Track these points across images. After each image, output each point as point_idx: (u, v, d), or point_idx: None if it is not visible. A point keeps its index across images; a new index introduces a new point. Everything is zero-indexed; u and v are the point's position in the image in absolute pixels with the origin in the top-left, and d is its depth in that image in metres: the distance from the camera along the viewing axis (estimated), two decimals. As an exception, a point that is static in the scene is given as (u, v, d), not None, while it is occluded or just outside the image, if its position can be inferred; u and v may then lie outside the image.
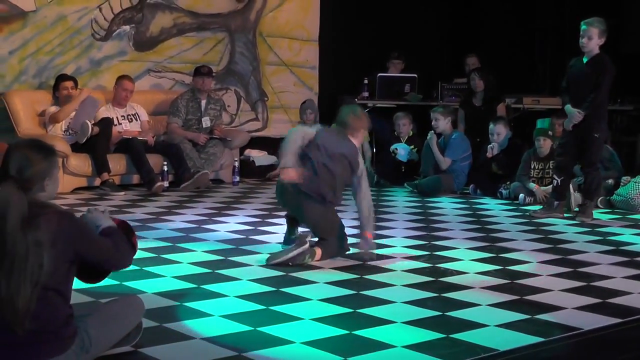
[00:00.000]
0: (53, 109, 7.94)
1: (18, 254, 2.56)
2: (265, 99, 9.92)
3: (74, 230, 2.75)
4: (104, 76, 8.78)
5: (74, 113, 7.88)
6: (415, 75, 9.80)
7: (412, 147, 8.68)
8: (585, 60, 6.49)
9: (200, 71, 8.61)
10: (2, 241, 2.56)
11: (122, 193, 7.65)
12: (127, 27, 8.93)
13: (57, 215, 2.72)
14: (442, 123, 8.17)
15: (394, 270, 4.66)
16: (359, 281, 4.42)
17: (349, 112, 5.21)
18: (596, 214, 6.76)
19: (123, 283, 4.21)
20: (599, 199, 7.07)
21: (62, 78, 8.04)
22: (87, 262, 2.79)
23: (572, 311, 3.90)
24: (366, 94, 9.73)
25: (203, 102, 8.62)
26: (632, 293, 4.25)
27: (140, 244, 5.25)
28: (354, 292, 4.18)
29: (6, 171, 2.68)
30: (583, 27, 6.46)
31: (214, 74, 8.85)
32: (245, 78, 9.77)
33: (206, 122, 8.58)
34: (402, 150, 8.57)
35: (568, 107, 6.53)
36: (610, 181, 7.33)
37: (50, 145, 2.88)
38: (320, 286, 4.30)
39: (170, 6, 9.18)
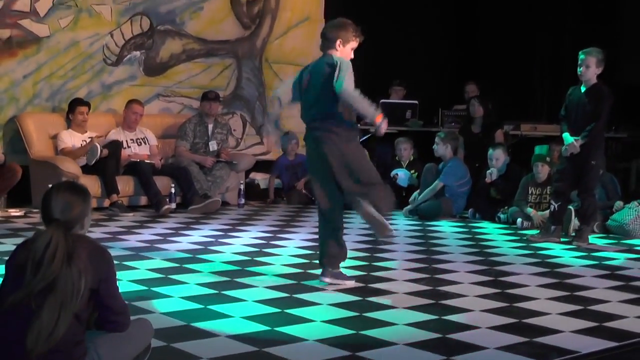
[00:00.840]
0: (66, 134, 7.98)
1: (66, 290, 2.70)
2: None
3: (104, 263, 2.87)
4: (115, 100, 8.83)
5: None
6: (417, 101, 9.84)
7: (413, 171, 8.70)
8: (583, 89, 6.51)
9: (208, 96, 8.66)
10: (52, 278, 2.69)
11: (131, 214, 7.67)
12: (137, 53, 8.99)
13: (92, 246, 2.88)
14: (441, 148, 8.18)
15: (396, 293, 4.66)
16: (362, 303, 4.42)
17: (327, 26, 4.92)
18: (592, 238, 6.76)
19: (132, 303, 4.20)
20: (595, 224, 7.07)
21: (77, 103, 8.09)
22: (99, 300, 2.84)
23: (569, 334, 3.89)
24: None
25: (210, 126, 8.66)
26: (627, 317, 4.25)
27: (148, 265, 5.31)
28: (357, 313, 4.18)
29: (50, 214, 2.84)
30: (581, 56, 6.50)
31: (221, 99, 8.90)
32: (251, 103, 9.82)
33: (213, 145, 8.62)
34: (402, 175, 8.59)
35: (566, 135, 6.56)
36: (614, 207, 7.32)
37: (86, 187, 3.02)
38: (324, 307, 4.30)
39: (180, 33, 9.25)
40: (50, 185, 3.02)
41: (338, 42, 4.74)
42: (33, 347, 2.65)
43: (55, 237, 2.75)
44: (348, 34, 4.76)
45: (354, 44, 4.82)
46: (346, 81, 4.54)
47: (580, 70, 6.49)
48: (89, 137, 8.04)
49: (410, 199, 8.21)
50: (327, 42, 4.78)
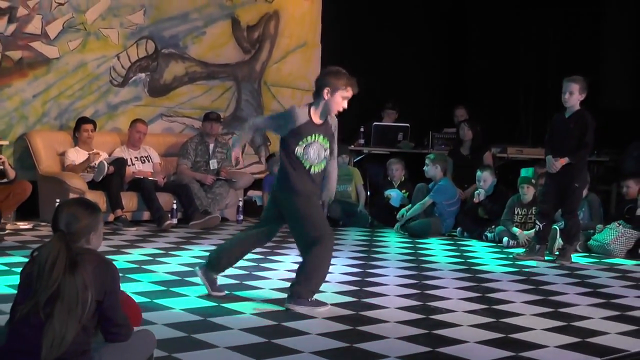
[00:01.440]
0: (72, 151, 7.99)
1: (71, 298, 2.70)
2: (268, 143, 9.97)
3: (109, 276, 2.87)
4: (120, 119, 8.84)
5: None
6: (408, 124, 9.88)
7: (404, 191, 8.71)
8: (567, 115, 6.55)
9: (209, 117, 8.69)
10: (57, 286, 2.70)
11: (134, 229, 7.65)
12: (142, 75, 9.01)
13: (97, 258, 2.88)
14: (432, 169, 8.19)
15: (387, 308, 4.65)
16: (355, 317, 4.41)
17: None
18: (575, 257, 6.77)
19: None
20: (578, 244, 7.08)
21: (82, 121, 8.12)
22: (101, 311, 2.84)
23: (554, 349, 3.90)
24: (362, 141, 9.79)
25: (211, 146, 8.67)
26: (609, 333, 4.26)
27: (151, 277, 5.30)
28: (350, 327, 4.17)
29: (56, 225, 2.86)
30: (565, 83, 6.53)
31: (221, 120, 8.92)
32: (250, 124, 9.81)
33: (214, 164, 8.63)
34: (395, 195, 8.59)
35: (549, 158, 6.59)
36: (598, 227, 7.34)
37: (96, 204, 3.04)
38: (319, 321, 4.28)
39: (183, 56, 9.27)
40: (57, 200, 3.05)
41: (326, 90, 4.48)
42: (47, 355, 2.65)
43: (57, 246, 2.76)
44: (338, 82, 4.49)
45: (345, 93, 4.51)
46: (262, 118, 4.68)
47: (564, 97, 6.53)
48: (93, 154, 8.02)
49: (398, 216, 8.22)
50: (316, 90, 4.58)
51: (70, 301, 2.69)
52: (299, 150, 4.50)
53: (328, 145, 4.61)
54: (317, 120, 4.57)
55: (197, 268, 4.89)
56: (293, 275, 5.52)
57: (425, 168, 8.24)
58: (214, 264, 4.81)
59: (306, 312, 4.43)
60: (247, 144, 9.80)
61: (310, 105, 4.59)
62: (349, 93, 4.55)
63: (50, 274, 2.70)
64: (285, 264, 6.06)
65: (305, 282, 4.54)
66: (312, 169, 4.55)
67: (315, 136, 4.53)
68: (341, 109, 4.60)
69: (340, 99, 4.53)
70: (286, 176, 4.53)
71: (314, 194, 4.61)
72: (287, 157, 4.54)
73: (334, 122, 4.68)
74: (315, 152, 4.53)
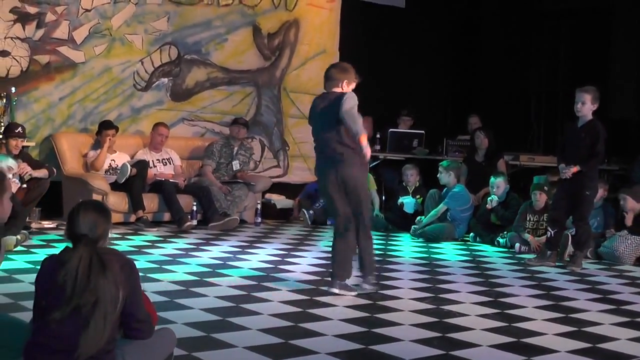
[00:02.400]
0: (92, 153, 8.02)
1: (105, 297, 2.71)
2: (287, 148, 9.96)
3: (132, 274, 2.88)
4: (143, 123, 8.85)
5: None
6: (423, 131, 9.84)
7: (418, 196, 8.66)
8: (579, 124, 6.50)
9: (238, 121, 8.76)
10: (94, 291, 2.71)
11: (155, 229, 7.66)
12: (165, 80, 9.02)
13: (121, 258, 2.89)
14: (445, 176, 8.14)
15: (402, 311, 4.62)
16: (370, 319, 4.38)
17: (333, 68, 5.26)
18: (585, 264, 6.71)
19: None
20: (589, 250, 7.01)
21: (105, 126, 8.07)
22: (125, 308, 2.83)
23: (565, 354, 3.85)
24: (378, 147, 9.75)
25: (235, 149, 8.70)
26: (619, 339, 4.20)
27: (171, 277, 5.29)
28: (366, 329, 4.15)
29: (78, 230, 2.84)
30: (578, 93, 6.48)
31: (248, 126, 8.93)
32: (270, 128, 9.83)
33: (236, 165, 8.68)
34: (407, 202, 8.54)
35: (561, 166, 6.54)
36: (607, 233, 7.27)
37: (107, 207, 3.06)
38: (335, 322, 4.26)
39: (205, 62, 9.28)
40: (80, 200, 3.06)
41: (345, 82, 5.06)
42: (83, 354, 2.67)
43: (87, 252, 2.76)
44: (351, 76, 5.12)
45: (354, 84, 5.14)
46: (349, 103, 4.84)
47: (576, 106, 6.47)
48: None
49: (417, 220, 8.19)
50: (333, 81, 5.11)
51: (106, 302, 2.71)
52: None
53: None
54: None
55: (330, 288, 5.01)
56: (310, 277, 5.53)
57: (439, 175, 8.19)
58: (340, 274, 5.02)
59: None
60: (267, 147, 9.79)
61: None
62: (355, 84, 5.18)
63: (88, 279, 2.71)
64: (302, 266, 6.03)
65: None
66: None
67: None
68: None
69: (350, 90, 5.12)
70: (359, 159, 4.97)
71: None
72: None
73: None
74: None
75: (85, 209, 2.90)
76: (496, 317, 4.57)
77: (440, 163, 8.33)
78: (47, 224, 7.46)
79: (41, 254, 5.84)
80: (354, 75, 5.13)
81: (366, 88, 10.72)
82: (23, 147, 7.32)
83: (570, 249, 6.81)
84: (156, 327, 3.05)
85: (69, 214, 2.90)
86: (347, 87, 5.05)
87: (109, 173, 7.99)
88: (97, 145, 8.09)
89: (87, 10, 8.37)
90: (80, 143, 8.18)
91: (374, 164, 9.40)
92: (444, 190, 8.19)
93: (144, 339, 2.92)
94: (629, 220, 7.04)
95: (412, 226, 8.15)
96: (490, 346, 3.91)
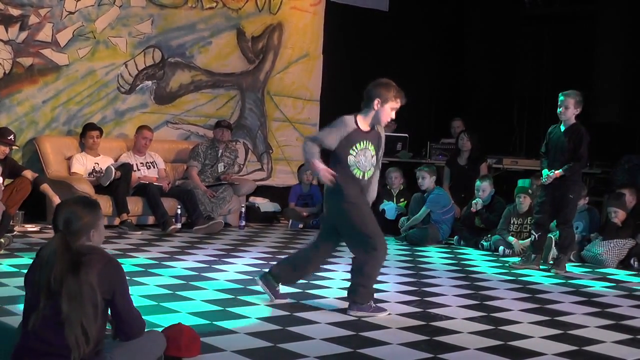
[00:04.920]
0: (79, 157, 8.00)
1: (78, 296, 2.64)
2: (271, 151, 9.95)
3: (116, 275, 2.83)
4: (127, 126, 8.81)
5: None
6: (407, 135, 9.87)
7: (402, 200, 8.68)
8: (562, 128, 6.54)
9: (221, 124, 8.73)
10: (60, 286, 2.65)
11: (139, 232, 7.62)
12: (149, 83, 8.99)
13: (103, 257, 2.81)
14: (428, 181, 8.17)
15: (389, 314, 4.63)
16: (358, 323, 4.39)
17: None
18: (569, 267, 6.75)
19: (142, 317, 4.16)
20: (572, 253, 7.06)
21: (89, 127, 8.08)
22: (114, 311, 2.80)
23: (552, 357, 3.88)
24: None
25: (220, 151, 8.68)
26: (605, 342, 4.24)
27: (157, 281, 5.26)
28: (354, 333, 4.15)
29: (56, 225, 2.79)
30: (561, 97, 6.52)
31: (232, 128, 8.91)
32: (254, 132, 9.81)
33: (220, 167, 8.67)
34: (388, 208, 8.53)
35: (545, 172, 6.58)
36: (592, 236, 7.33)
37: (95, 200, 2.96)
38: (323, 326, 4.26)
39: (189, 65, 9.25)
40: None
41: (377, 100, 4.58)
42: (77, 356, 2.63)
43: (56, 247, 2.70)
44: (389, 94, 4.60)
45: (394, 104, 4.62)
46: (316, 133, 4.46)
47: (560, 110, 6.52)
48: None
49: (400, 223, 8.20)
50: (366, 100, 4.64)
51: (81, 301, 2.64)
52: (351, 158, 4.51)
53: (375, 152, 4.61)
54: (365, 128, 4.59)
55: (257, 277, 4.84)
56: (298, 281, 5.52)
57: (420, 181, 8.20)
58: (279, 275, 4.78)
59: (368, 318, 4.44)
60: (250, 151, 9.78)
61: (357, 114, 4.62)
62: (397, 104, 4.63)
63: (52, 275, 2.65)
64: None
65: (365, 282, 4.54)
66: (364, 176, 4.57)
67: (364, 143, 4.56)
68: (389, 120, 4.67)
69: (389, 110, 4.60)
70: (338, 187, 4.48)
71: (365, 202, 4.62)
72: (340, 169, 4.49)
73: (382, 132, 4.72)
74: (367, 159, 4.57)
75: (66, 203, 2.86)
76: (482, 320, 4.59)
77: (417, 169, 8.35)
78: (30, 227, 7.40)
79: (26, 258, 5.79)
80: (394, 92, 4.66)
81: (350, 90, 10.76)
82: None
83: (554, 252, 6.85)
84: (147, 331, 3.04)
85: (55, 209, 2.87)
86: (379, 106, 4.59)
87: (92, 176, 7.94)
88: (82, 149, 8.05)
89: (70, 13, 8.33)
90: (64, 146, 8.13)
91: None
92: (426, 194, 8.21)
93: (134, 339, 2.90)
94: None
95: (394, 238, 8.12)
96: (478, 349, 3.93)
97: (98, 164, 8.05)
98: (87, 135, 8.02)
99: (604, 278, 6.42)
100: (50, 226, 7.33)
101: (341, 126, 4.53)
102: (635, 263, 7.01)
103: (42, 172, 7.80)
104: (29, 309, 2.72)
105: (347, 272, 5.91)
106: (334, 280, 5.65)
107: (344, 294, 5.08)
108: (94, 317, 2.67)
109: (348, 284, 5.25)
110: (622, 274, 6.67)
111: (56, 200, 7.21)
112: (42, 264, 2.68)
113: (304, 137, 4.48)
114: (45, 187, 7.25)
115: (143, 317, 4.05)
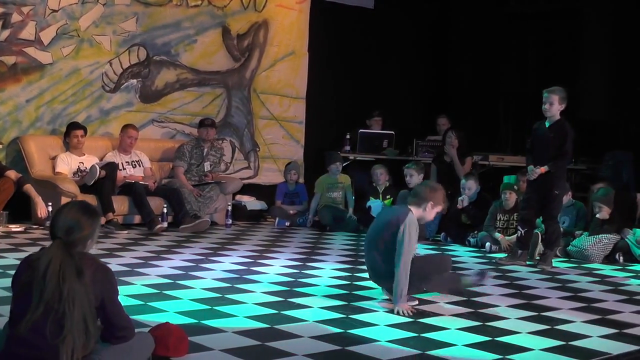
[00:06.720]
0: (64, 156, 7.95)
1: (82, 303, 2.66)
2: (257, 149, 9.94)
3: (107, 281, 2.83)
4: (112, 124, 8.77)
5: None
6: (393, 132, 9.89)
7: (388, 197, 8.70)
8: (547, 124, 6.58)
9: (205, 123, 8.69)
10: (66, 294, 2.65)
11: (125, 232, 7.59)
12: (134, 81, 8.95)
13: (96, 264, 2.83)
14: (416, 178, 8.19)
15: (377, 311, 4.63)
16: (346, 320, 4.39)
17: (424, 185, 5.09)
18: (555, 262, 6.79)
19: (130, 316, 4.14)
20: (558, 249, 7.11)
21: (73, 126, 8.05)
22: (105, 316, 2.79)
23: (539, 352, 3.90)
24: (348, 147, 9.80)
25: (205, 150, 8.65)
26: (591, 337, 4.26)
27: (144, 280, 5.24)
28: (341, 330, 4.15)
29: (55, 231, 2.77)
30: (545, 94, 6.56)
31: (216, 126, 8.89)
32: (240, 130, 9.80)
33: (207, 166, 8.64)
34: (374, 206, 8.55)
35: (530, 168, 6.62)
36: (577, 232, 7.38)
37: (96, 209, 2.96)
38: (311, 324, 4.26)
39: (174, 63, 9.22)
40: (49, 204, 3.00)
41: (430, 203, 4.74)
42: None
43: (58, 254, 2.69)
44: (440, 199, 4.83)
45: (439, 208, 4.89)
46: (406, 247, 4.56)
47: (545, 107, 6.55)
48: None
49: None
50: (418, 199, 4.77)
51: (84, 309, 2.66)
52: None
53: None
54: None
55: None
56: (283, 279, 5.53)
57: (408, 179, 8.22)
58: None
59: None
60: (237, 149, 9.77)
61: (410, 208, 4.75)
62: (441, 209, 5.03)
63: (59, 283, 2.64)
64: (275, 268, 6.02)
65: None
66: None
67: None
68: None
69: (435, 213, 4.87)
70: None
71: None
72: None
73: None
74: None
75: (69, 210, 2.83)
76: (470, 316, 4.60)
77: (406, 166, 8.36)
78: (14, 227, 7.34)
79: (10, 258, 5.75)
80: (443, 198, 4.92)
81: (337, 88, 10.76)
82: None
83: (540, 247, 6.89)
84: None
85: (55, 213, 2.85)
86: (429, 208, 4.76)
87: (77, 176, 7.90)
88: (67, 148, 8.02)
89: (54, 11, 8.27)
90: (48, 145, 8.08)
91: (345, 163, 9.42)
92: (412, 191, 8.21)
93: (124, 342, 2.89)
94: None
95: None
96: (466, 345, 3.94)
97: (83, 163, 8.01)
98: (71, 134, 7.98)
99: (589, 273, 6.46)
100: (35, 226, 7.34)
101: (414, 227, 4.65)
102: (620, 258, 7.07)
103: (27, 172, 7.76)
104: (19, 315, 2.68)
105: (336, 269, 5.95)
106: (322, 278, 5.65)
107: (333, 291, 5.10)
108: (91, 323, 2.67)
109: (336, 282, 5.28)
110: (607, 269, 6.72)
111: (39, 201, 7.19)
112: (41, 271, 2.65)
113: (399, 265, 4.58)
114: (29, 188, 7.23)
115: (130, 317, 4.06)
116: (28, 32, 8.11)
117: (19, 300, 2.71)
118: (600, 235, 7.11)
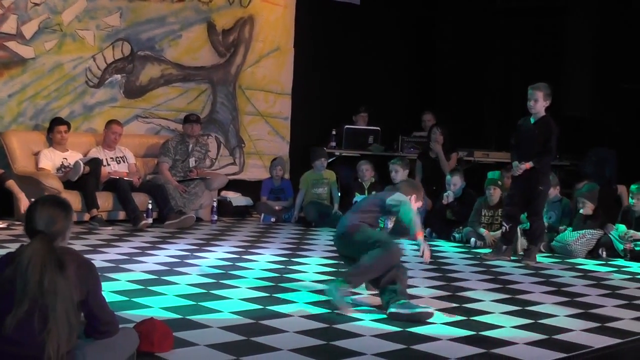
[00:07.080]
0: (47, 152, 7.91)
1: (64, 297, 2.65)
2: (243, 145, 9.94)
3: (90, 276, 2.83)
4: (96, 120, 8.74)
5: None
6: (379, 128, 9.92)
7: (374, 192, 8.71)
8: (532, 120, 6.62)
9: (190, 119, 8.67)
10: (50, 288, 2.64)
11: (110, 228, 7.57)
12: (118, 76, 8.92)
13: (79, 259, 2.84)
14: (401, 174, 8.21)
15: (362, 306, 4.66)
16: (331, 315, 4.41)
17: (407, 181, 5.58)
18: (539, 257, 6.85)
19: (115, 312, 4.13)
20: (542, 244, 7.16)
21: (56, 122, 8.01)
22: (88, 311, 2.80)
23: (522, 346, 3.93)
24: (333, 143, 9.81)
25: (190, 146, 8.64)
26: (574, 330, 4.31)
27: (128, 276, 5.24)
28: (327, 325, 4.17)
29: (34, 226, 2.78)
30: (530, 91, 6.60)
31: (201, 121, 8.88)
32: (225, 126, 9.79)
33: (192, 162, 8.64)
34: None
35: (515, 164, 6.66)
36: (561, 228, 7.44)
37: (68, 202, 2.96)
38: (296, 319, 4.28)
39: (159, 58, 9.20)
40: (32, 199, 2.99)
41: (414, 196, 5.01)
42: (56, 355, 2.61)
43: (42, 248, 2.69)
44: (420, 196, 5.14)
45: (420, 204, 5.15)
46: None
47: (529, 103, 6.60)
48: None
49: None
50: (402, 191, 5.02)
51: (66, 302, 2.65)
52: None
53: None
54: None
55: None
56: (269, 274, 5.54)
57: (393, 175, 8.24)
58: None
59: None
60: (222, 145, 9.77)
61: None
62: (421, 205, 5.24)
63: (41, 278, 2.63)
64: (261, 263, 6.04)
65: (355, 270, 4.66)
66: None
67: None
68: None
69: (416, 208, 5.03)
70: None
71: None
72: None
73: None
74: None
75: (43, 204, 2.84)
76: (455, 310, 4.64)
77: (391, 161, 8.39)
78: (-3, 223, 7.31)
79: (-7, 255, 5.72)
80: (423, 194, 5.21)
81: (322, 84, 10.77)
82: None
83: (523, 242, 6.94)
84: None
85: (27, 209, 2.84)
86: (412, 202, 4.96)
87: (61, 172, 7.87)
88: (50, 144, 7.98)
89: (36, 5, 8.23)
90: (31, 141, 8.04)
91: (329, 160, 9.45)
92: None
93: (108, 337, 2.89)
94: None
95: None
96: (450, 339, 3.98)
97: (66, 159, 7.98)
98: (54, 130, 7.94)
99: (573, 268, 6.52)
100: (18, 223, 7.30)
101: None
102: (604, 253, 7.15)
103: (9, 168, 7.71)
104: (2, 312, 2.66)
105: (321, 265, 5.97)
106: (307, 273, 5.67)
107: (318, 286, 5.12)
108: (74, 317, 2.67)
109: (321, 278, 5.30)
110: (590, 264, 6.78)
111: (22, 197, 7.16)
112: (24, 265, 2.64)
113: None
114: (11, 184, 7.20)
115: (115, 312, 4.05)
116: (9, 26, 8.06)
117: (2, 298, 2.70)
118: (583, 231, 7.18)
